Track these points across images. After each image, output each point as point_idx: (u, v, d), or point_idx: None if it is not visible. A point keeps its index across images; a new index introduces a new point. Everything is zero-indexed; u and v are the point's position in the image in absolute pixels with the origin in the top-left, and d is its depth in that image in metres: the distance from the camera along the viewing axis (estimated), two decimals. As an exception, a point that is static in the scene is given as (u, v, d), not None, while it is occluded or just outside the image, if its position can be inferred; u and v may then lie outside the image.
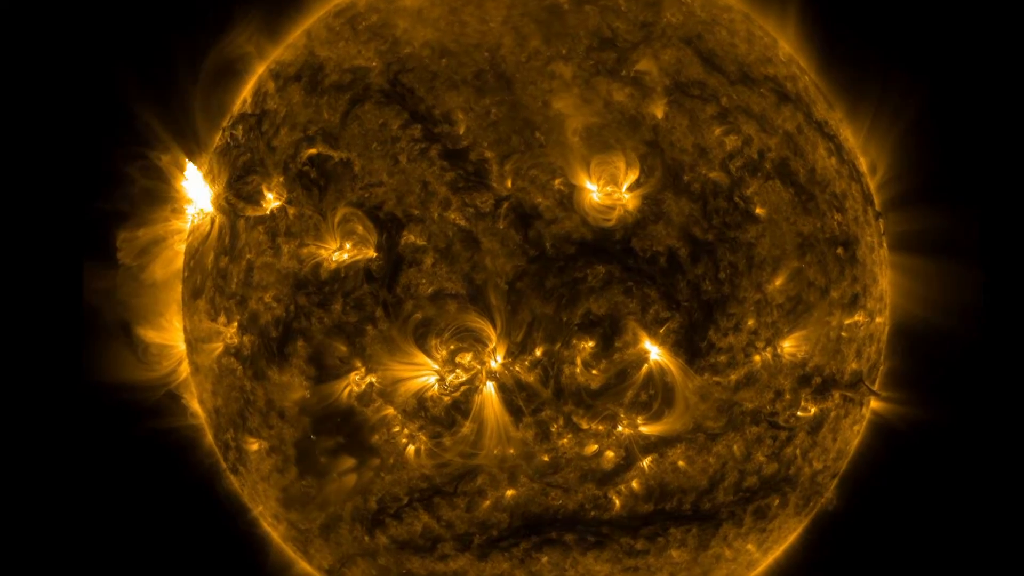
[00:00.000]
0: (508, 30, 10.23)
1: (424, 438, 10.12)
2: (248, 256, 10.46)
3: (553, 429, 9.96)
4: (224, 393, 11.03)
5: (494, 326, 9.70)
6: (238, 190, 10.51)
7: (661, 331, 9.85)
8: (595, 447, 10.10)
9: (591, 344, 9.80)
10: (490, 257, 9.71)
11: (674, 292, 9.83)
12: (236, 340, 10.67)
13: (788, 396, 10.46)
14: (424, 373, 9.92)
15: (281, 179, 10.29)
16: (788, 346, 10.35)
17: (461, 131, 9.93)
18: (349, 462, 10.37)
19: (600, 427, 10.02)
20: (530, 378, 9.81)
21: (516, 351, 9.75)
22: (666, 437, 10.17)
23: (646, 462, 10.26)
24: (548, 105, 9.92)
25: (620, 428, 10.04)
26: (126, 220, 11.33)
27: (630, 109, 10.02)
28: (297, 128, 10.38)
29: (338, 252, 10.06)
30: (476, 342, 9.77)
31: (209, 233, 10.95)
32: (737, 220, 10.05)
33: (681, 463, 10.35)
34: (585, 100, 9.98)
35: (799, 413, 10.64)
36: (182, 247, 11.55)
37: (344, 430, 10.27)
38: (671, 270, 9.84)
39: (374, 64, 10.33)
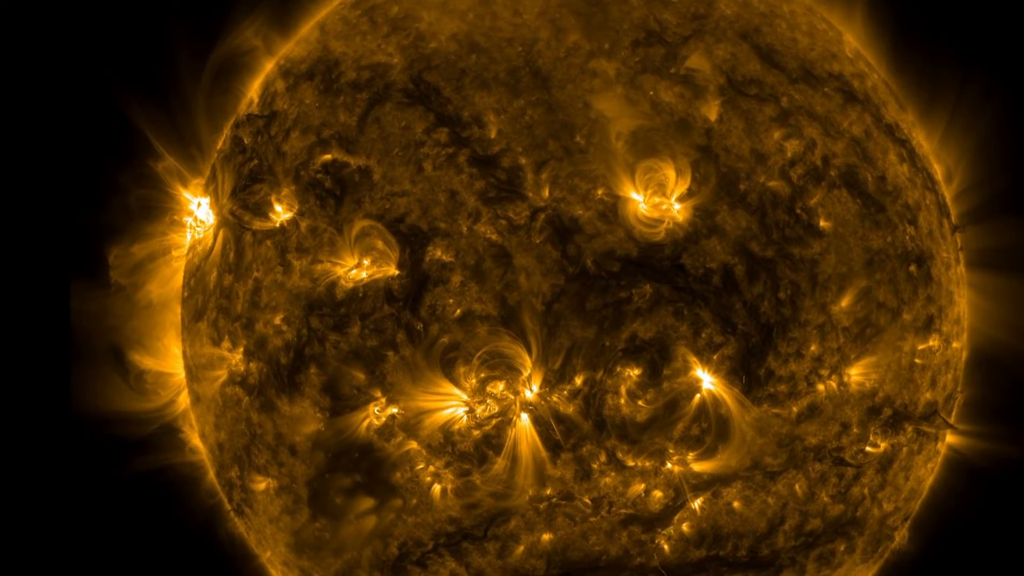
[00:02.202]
0: (545, 23, 10.13)
1: (451, 476, 10.00)
2: (255, 274, 10.36)
3: (594, 466, 9.85)
4: (228, 426, 10.89)
5: (529, 352, 9.59)
6: (244, 200, 10.42)
7: (715, 357, 9.74)
8: (641, 486, 10.00)
9: (637, 372, 9.68)
10: (525, 275, 9.61)
11: (729, 314, 9.71)
12: (242, 367, 10.55)
13: (855, 430, 10.35)
14: (451, 404, 9.79)
15: (292, 188, 10.20)
16: (855, 374, 10.23)
17: (492, 135, 9.84)
18: (368, 503, 10.26)
19: (647, 464, 9.92)
20: (569, 409, 9.71)
21: (554, 380, 9.63)
22: (720, 475, 10.04)
23: (698, 503, 10.13)
24: (589, 106, 9.80)
25: (669, 465, 9.91)
26: (119, 234, 11.26)
27: (680, 111, 9.91)
28: (310, 131, 10.27)
29: (356, 269, 9.96)
30: (509, 370, 9.65)
31: (212, 248, 10.83)
32: (799, 234, 9.95)
33: (736, 504, 10.24)
34: (630, 101, 9.87)
35: (868, 448, 10.52)
36: (181, 264, 11.47)
37: (362, 467, 10.14)
38: (726, 290, 9.73)
39: (395, 60, 10.20)
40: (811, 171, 10.09)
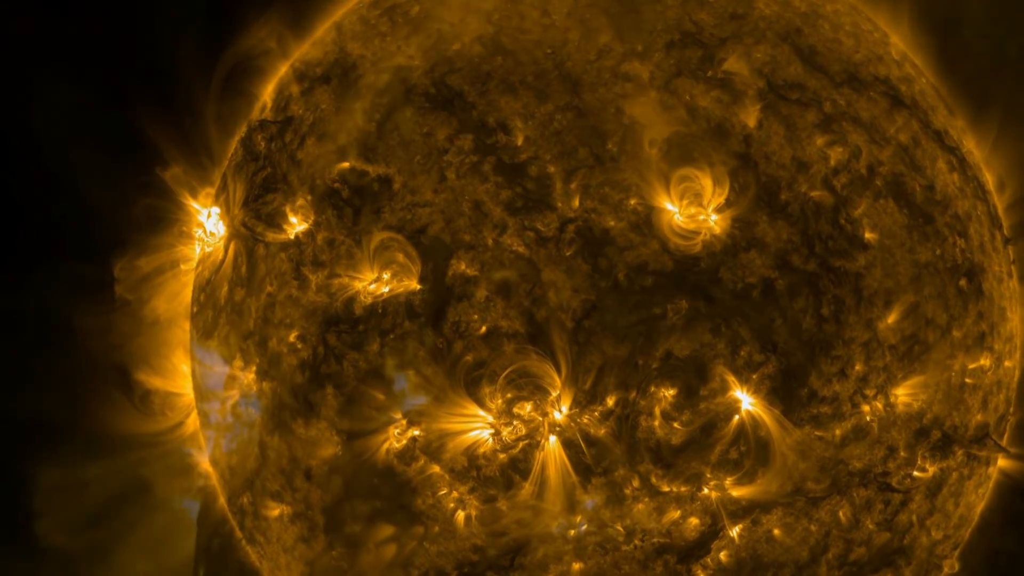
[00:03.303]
0: (574, 23, 9.95)
1: (476, 502, 9.84)
2: (268, 289, 10.19)
3: (627, 492, 9.66)
4: (240, 450, 10.74)
5: (558, 371, 9.41)
6: (256, 211, 10.25)
7: (754, 377, 9.57)
8: (677, 513, 9.83)
9: (672, 392, 9.51)
10: (554, 290, 9.43)
11: (769, 331, 9.54)
12: (254, 387, 10.41)
13: (902, 453, 10.16)
14: (476, 426, 9.67)
15: (308, 198, 10.01)
16: (903, 395, 10.05)
17: (519, 142, 9.67)
18: (387, 530, 10.09)
19: (682, 489, 9.74)
20: (600, 432, 9.52)
21: (584, 400, 9.41)
22: (760, 501, 9.84)
23: (736, 530, 9.97)
24: (621, 112, 9.61)
25: (706, 490, 9.73)
26: (124, 246, 11.15)
27: (717, 116, 9.72)
28: (326, 138, 10.13)
29: (375, 284, 9.82)
30: (537, 390, 9.49)
31: (222, 262, 10.65)
32: (843, 246, 9.77)
33: (777, 532, 10.05)
34: (664, 106, 9.71)
35: (915, 473, 10.33)
36: (190, 278, 11.33)
37: (382, 493, 10.03)
38: (766, 305, 9.57)
39: (417, 63, 10.05)
40: (856, 180, 9.91)
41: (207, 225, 10.99)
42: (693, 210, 9.52)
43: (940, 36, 11.27)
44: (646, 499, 9.70)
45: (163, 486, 11.46)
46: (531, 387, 9.45)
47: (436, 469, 9.77)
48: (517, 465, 9.62)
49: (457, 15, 10.16)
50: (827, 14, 10.62)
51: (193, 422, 11.42)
